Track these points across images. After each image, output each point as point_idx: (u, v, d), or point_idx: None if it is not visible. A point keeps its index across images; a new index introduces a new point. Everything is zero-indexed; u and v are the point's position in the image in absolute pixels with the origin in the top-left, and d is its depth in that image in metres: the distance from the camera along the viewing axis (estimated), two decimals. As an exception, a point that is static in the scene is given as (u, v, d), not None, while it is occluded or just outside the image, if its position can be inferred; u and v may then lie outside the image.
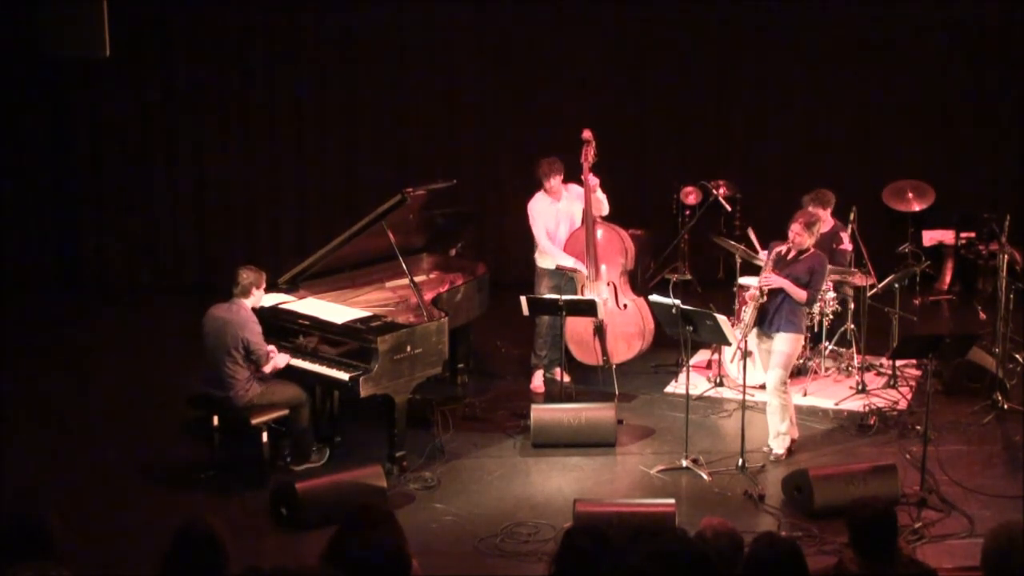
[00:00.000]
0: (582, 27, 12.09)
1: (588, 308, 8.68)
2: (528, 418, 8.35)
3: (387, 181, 11.06)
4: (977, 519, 7.03)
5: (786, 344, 7.88)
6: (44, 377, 9.80)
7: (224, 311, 7.63)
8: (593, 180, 9.09)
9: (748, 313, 7.94)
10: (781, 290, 7.84)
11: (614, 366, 9.19)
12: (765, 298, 7.84)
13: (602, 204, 9.20)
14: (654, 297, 8.19)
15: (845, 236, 9.20)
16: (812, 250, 7.94)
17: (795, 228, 7.84)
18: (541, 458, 8.15)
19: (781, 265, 7.91)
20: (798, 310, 7.90)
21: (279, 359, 7.75)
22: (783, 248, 7.93)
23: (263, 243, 12.20)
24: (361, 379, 7.51)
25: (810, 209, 9.09)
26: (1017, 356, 9.32)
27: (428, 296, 8.35)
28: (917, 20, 11.96)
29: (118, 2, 10.05)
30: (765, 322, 7.92)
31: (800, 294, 7.82)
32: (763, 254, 8.77)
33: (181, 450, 8.10)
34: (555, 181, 9.06)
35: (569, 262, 9.09)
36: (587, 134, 9.15)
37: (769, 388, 7.99)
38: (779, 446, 8.03)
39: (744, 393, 8.07)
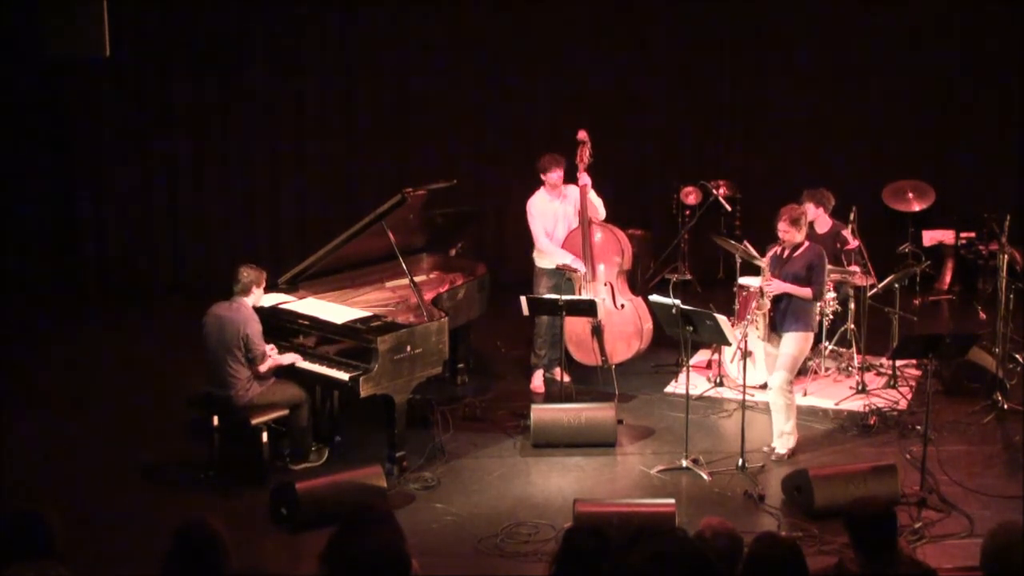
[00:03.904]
0: (582, 27, 12.10)
1: (588, 308, 8.68)
2: (528, 418, 8.35)
3: (387, 181, 11.09)
4: (977, 519, 7.03)
5: (793, 346, 7.88)
6: (44, 377, 9.81)
7: (225, 309, 7.64)
8: (585, 179, 9.09)
9: (760, 325, 7.92)
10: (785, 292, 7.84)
11: (613, 366, 9.19)
12: (769, 304, 7.84)
13: (598, 207, 9.20)
14: (654, 297, 8.18)
15: (848, 234, 9.19)
16: (806, 243, 7.93)
17: (782, 227, 7.85)
18: (541, 458, 8.15)
19: (778, 265, 7.90)
20: (806, 307, 7.89)
21: (284, 357, 7.76)
22: (777, 249, 7.94)
23: (263, 243, 12.21)
24: (361, 379, 7.51)
25: (805, 204, 9.10)
26: (1017, 356, 9.32)
27: (428, 296, 8.35)
28: (917, 20, 11.97)
29: (118, 2, 10.05)
30: (774, 323, 7.92)
31: (805, 292, 7.82)
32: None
33: (181, 450, 8.10)
34: (555, 175, 9.07)
35: (568, 259, 9.10)
36: (582, 135, 9.17)
37: (773, 388, 7.98)
38: (782, 445, 8.03)
39: (744, 393, 8.07)
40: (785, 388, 7.92)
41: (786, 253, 7.92)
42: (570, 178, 9.22)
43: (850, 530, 4.70)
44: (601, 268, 9.20)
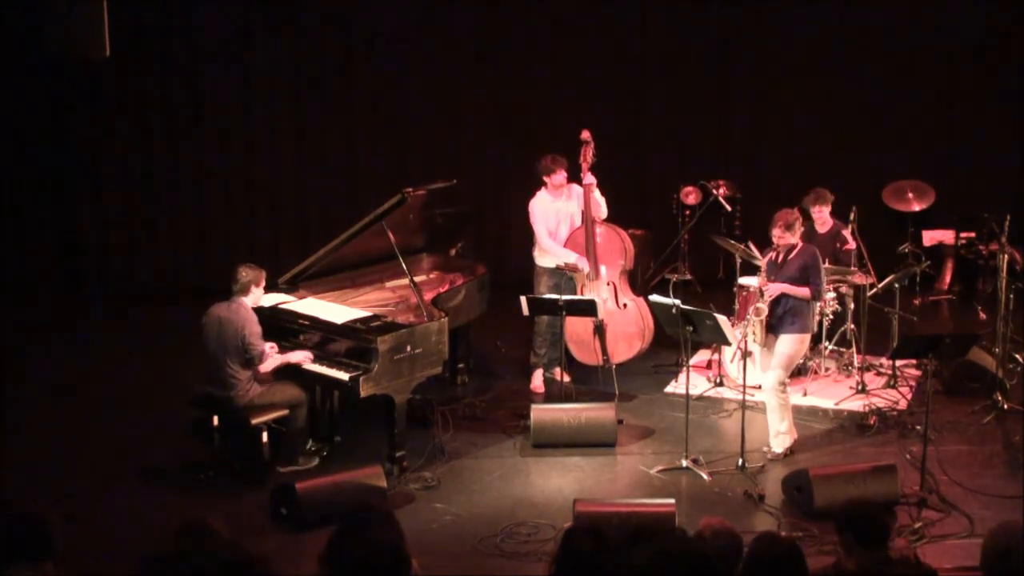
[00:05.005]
0: (582, 27, 12.09)
1: (588, 308, 8.68)
2: (528, 418, 8.36)
3: (387, 181, 11.08)
4: (977, 519, 7.03)
5: (789, 346, 7.90)
6: (44, 377, 9.81)
7: (224, 310, 7.64)
8: (590, 179, 9.11)
9: (757, 332, 7.92)
10: (783, 296, 7.85)
11: (614, 366, 9.19)
12: (768, 310, 7.85)
13: (600, 206, 9.22)
14: (654, 297, 8.19)
15: (847, 234, 9.20)
16: (799, 245, 7.95)
17: (776, 233, 7.89)
18: (541, 458, 8.16)
19: (774, 270, 7.94)
20: (803, 309, 7.91)
21: (292, 355, 7.75)
22: (772, 255, 7.97)
23: (263, 243, 12.20)
24: (361, 379, 7.51)
25: (812, 207, 9.16)
26: (1017, 356, 9.32)
27: (428, 296, 8.35)
28: (917, 20, 11.97)
29: (118, 2, 10.04)
30: (771, 326, 7.93)
31: (803, 292, 7.85)
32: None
33: (181, 450, 8.09)
34: (559, 176, 9.07)
35: (572, 257, 9.11)
36: (586, 135, 9.18)
37: (767, 388, 7.99)
38: (778, 445, 8.04)
39: (744, 393, 8.07)
40: (778, 388, 7.93)
41: (781, 258, 7.96)
42: (573, 178, 9.22)
43: (847, 529, 4.71)
44: (604, 268, 9.20)
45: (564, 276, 9.22)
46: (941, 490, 7.40)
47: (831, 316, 9.29)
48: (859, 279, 9.19)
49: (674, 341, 9.25)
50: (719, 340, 8.26)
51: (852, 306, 9.44)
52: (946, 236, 11.72)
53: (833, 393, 9.18)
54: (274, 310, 8.11)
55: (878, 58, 12.09)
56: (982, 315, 10.73)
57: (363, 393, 7.53)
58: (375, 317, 8.00)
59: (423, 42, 12.12)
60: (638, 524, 6.39)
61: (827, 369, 9.49)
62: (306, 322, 8.02)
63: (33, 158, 12.09)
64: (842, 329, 9.45)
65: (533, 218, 9.18)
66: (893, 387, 9.19)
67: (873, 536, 4.65)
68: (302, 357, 7.79)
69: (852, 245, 9.18)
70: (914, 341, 8.03)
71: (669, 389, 9.39)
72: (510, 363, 9.95)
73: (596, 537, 4.14)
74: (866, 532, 4.65)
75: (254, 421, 7.55)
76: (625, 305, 9.30)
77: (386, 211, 8.17)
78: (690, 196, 11.63)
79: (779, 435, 8.03)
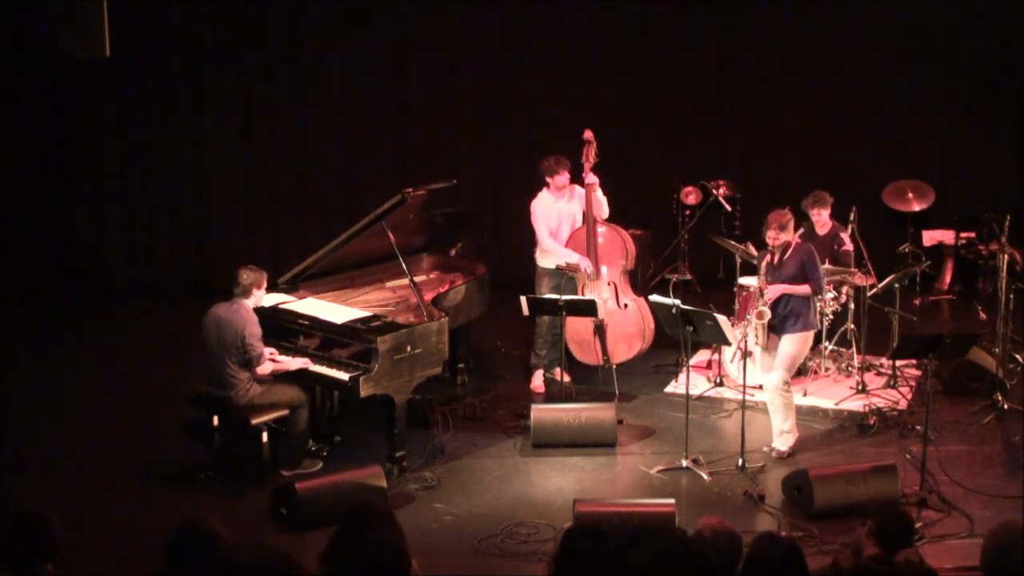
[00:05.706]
0: (583, 26, 12.10)
1: (588, 308, 8.69)
2: (528, 418, 8.36)
3: (387, 181, 11.08)
4: (977, 519, 7.03)
5: (792, 346, 7.89)
6: (44, 377, 9.81)
7: (225, 310, 7.63)
8: (592, 179, 9.11)
9: (760, 336, 7.92)
10: (783, 296, 7.86)
11: (614, 366, 9.19)
12: (770, 313, 7.85)
13: (602, 205, 9.22)
14: (654, 297, 8.19)
15: (845, 236, 9.21)
16: (793, 244, 7.95)
17: (771, 235, 7.88)
18: (541, 458, 8.15)
19: (771, 272, 7.94)
20: (805, 308, 7.90)
21: (293, 362, 7.74)
22: (768, 257, 7.97)
23: (263, 243, 12.21)
24: (361, 379, 7.51)
25: (812, 211, 9.17)
26: (1017, 356, 9.32)
27: (428, 296, 8.35)
28: (917, 20, 11.97)
29: (118, 2, 10.04)
30: (773, 327, 7.93)
31: (804, 290, 7.85)
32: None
33: (181, 450, 8.09)
34: (562, 178, 9.07)
35: (574, 258, 9.10)
36: (588, 134, 9.18)
37: (770, 387, 7.98)
38: (783, 444, 8.04)
39: (744, 393, 8.07)
40: (781, 388, 7.93)
41: (777, 259, 7.95)
42: (575, 178, 9.21)
43: (873, 519, 4.72)
44: (605, 268, 9.20)
45: (565, 276, 9.22)
46: (941, 490, 7.40)
47: (831, 316, 9.29)
48: (859, 280, 9.19)
49: (674, 341, 9.26)
50: (719, 340, 8.26)
51: (852, 306, 9.44)
52: (946, 236, 11.72)
53: (833, 393, 9.18)
54: (274, 310, 8.11)
55: (878, 57, 12.09)
56: (982, 315, 10.73)
57: (363, 393, 7.53)
58: (375, 317, 8.00)
59: (423, 42, 12.13)
60: (638, 524, 6.41)
61: (827, 369, 9.49)
62: (306, 322, 8.02)
63: (33, 158, 12.09)
64: (842, 329, 9.45)
65: (535, 218, 9.18)
66: (893, 387, 9.19)
67: (895, 537, 4.65)
68: (301, 364, 7.77)
69: (849, 247, 9.18)
70: (914, 341, 8.03)
71: (669, 389, 9.39)
72: (510, 363, 9.95)
73: (596, 537, 4.14)
74: (890, 530, 4.66)
75: (254, 421, 7.54)
76: (626, 305, 9.30)
77: (386, 211, 8.17)
78: (690, 196, 11.63)
79: (783, 434, 8.04)
